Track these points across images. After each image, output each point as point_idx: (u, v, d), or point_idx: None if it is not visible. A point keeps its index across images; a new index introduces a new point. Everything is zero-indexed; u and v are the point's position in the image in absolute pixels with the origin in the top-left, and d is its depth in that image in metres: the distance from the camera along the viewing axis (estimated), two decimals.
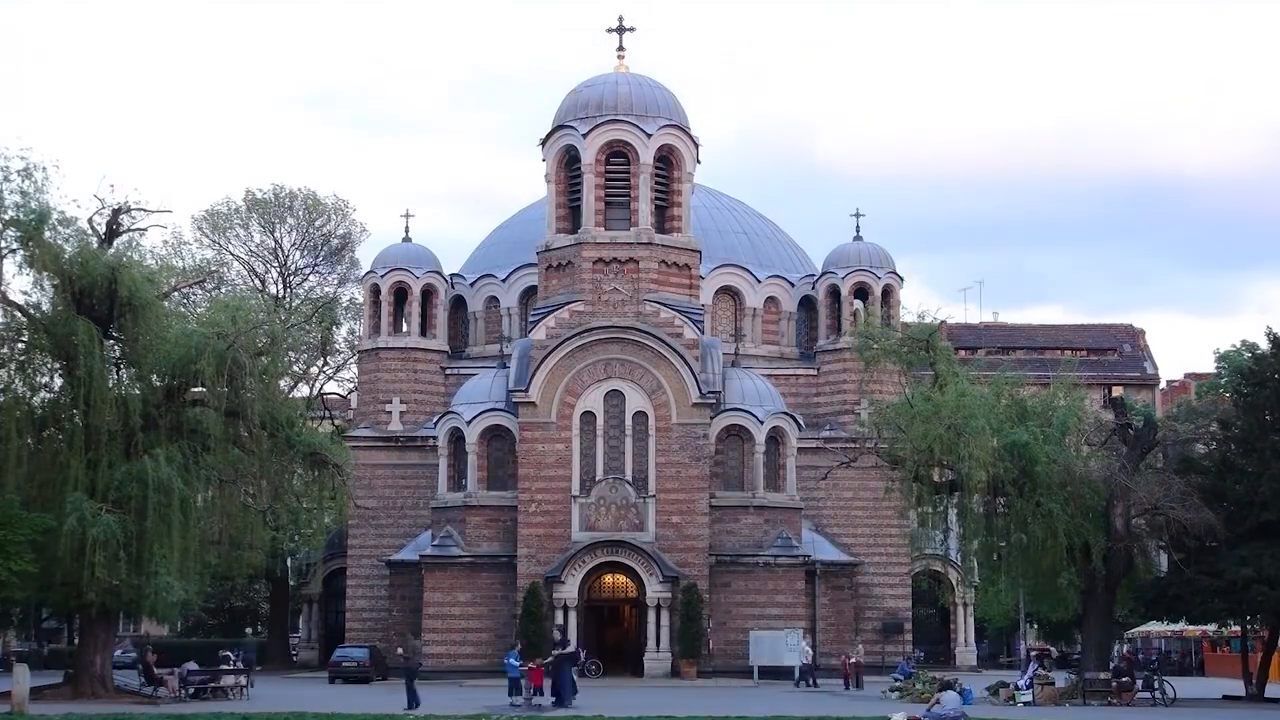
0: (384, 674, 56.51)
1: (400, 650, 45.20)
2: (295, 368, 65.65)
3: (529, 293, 64.28)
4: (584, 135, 59.62)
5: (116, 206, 43.96)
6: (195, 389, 42.91)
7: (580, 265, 59.19)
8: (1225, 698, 47.05)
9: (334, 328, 73.63)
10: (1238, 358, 59.52)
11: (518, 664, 41.87)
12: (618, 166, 60.09)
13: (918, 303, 68.10)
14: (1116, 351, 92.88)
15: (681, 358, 57.73)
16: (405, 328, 65.30)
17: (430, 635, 57.26)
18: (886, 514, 57.02)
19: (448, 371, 64.85)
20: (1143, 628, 68.84)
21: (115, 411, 40.95)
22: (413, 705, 38.06)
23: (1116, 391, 78.96)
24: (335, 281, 77.33)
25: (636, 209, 59.50)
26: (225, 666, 48.62)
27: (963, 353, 72.94)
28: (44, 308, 42.83)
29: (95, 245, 42.86)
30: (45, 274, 42.01)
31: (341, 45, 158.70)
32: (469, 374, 62.81)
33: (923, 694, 41.96)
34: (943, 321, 50.94)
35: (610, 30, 63.01)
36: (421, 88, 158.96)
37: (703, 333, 60.05)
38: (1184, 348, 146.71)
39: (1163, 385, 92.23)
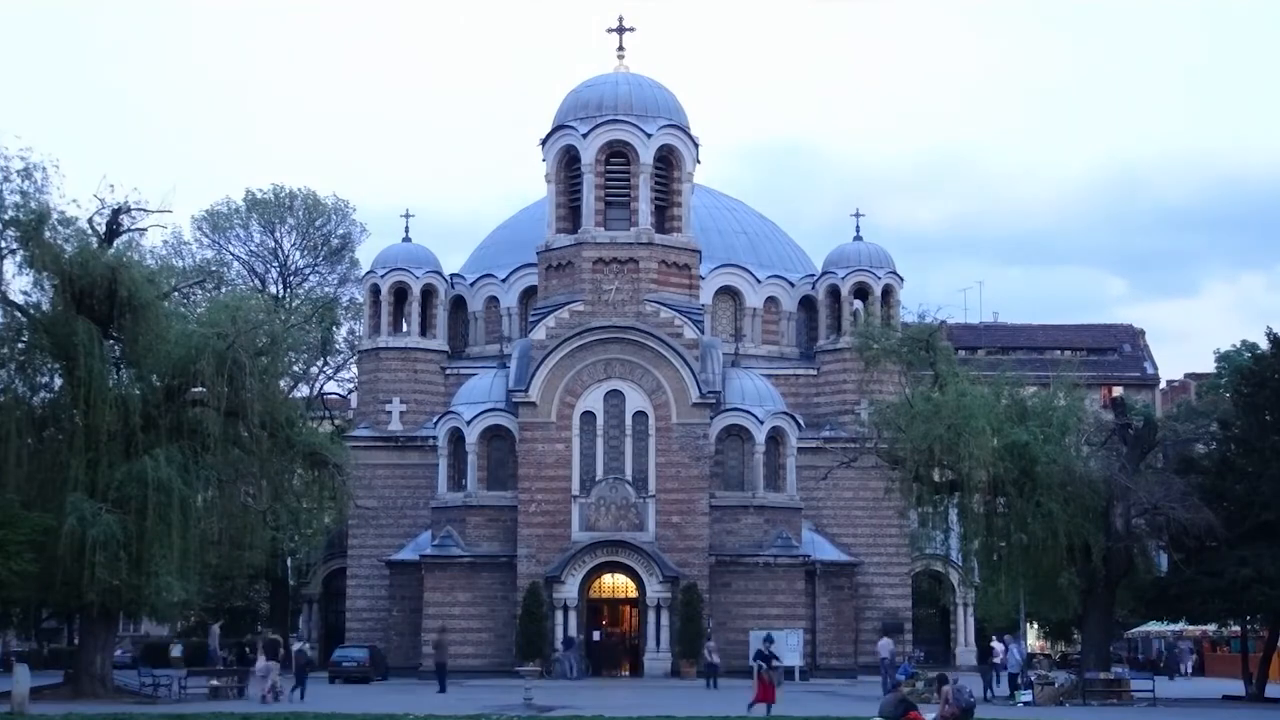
0: (384, 674, 56.52)
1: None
2: (295, 368, 65.52)
3: (529, 293, 64.27)
4: (584, 135, 59.64)
5: (116, 206, 43.98)
6: (195, 389, 42.87)
7: (580, 265, 59.21)
8: (1225, 698, 47.05)
9: (334, 328, 73.59)
10: (1238, 358, 59.64)
11: None
12: (618, 166, 60.12)
13: (917, 303, 68.07)
14: (1116, 351, 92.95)
15: (681, 358, 57.75)
16: (405, 328, 65.30)
17: (430, 635, 57.23)
18: (886, 514, 57.03)
19: (448, 371, 64.82)
20: (1143, 628, 68.82)
21: (115, 411, 40.92)
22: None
23: (1116, 391, 78.98)
24: (335, 281, 77.29)
25: (636, 209, 59.53)
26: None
27: (963, 353, 72.95)
28: (44, 308, 42.84)
29: (95, 245, 42.87)
30: (45, 274, 42.01)
31: (341, 45, 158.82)
32: (469, 374, 62.81)
33: (923, 695, 41.91)
34: (943, 321, 50.92)
35: (610, 30, 63.11)
36: (421, 87, 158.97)
37: (703, 333, 60.06)
38: (1184, 348, 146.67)
39: (1163, 385, 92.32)
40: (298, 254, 76.62)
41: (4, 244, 42.20)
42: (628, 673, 57.36)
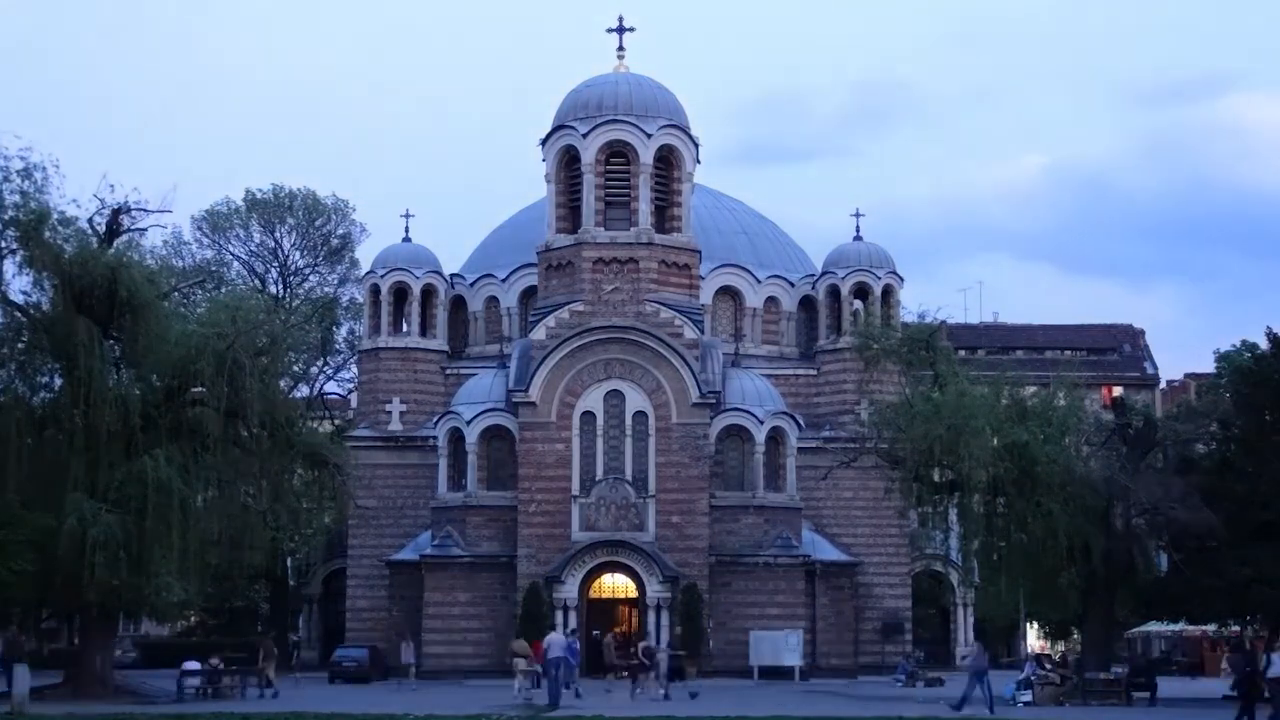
0: (384, 674, 56.49)
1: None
2: (295, 368, 65.51)
3: (529, 293, 64.23)
4: (584, 135, 59.61)
5: (116, 206, 43.91)
6: (195, 389, 42.85)
7: (580, 265, 59.19)
8: (1226, 698, 47.01)
9: (334, 328, 73.55)
10: (1238, 358, 59.52)
11: None
12: (618, 166, 60.09)
13: (918, 303, 68.09)
14: (1116, 351, 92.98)
15: (681, 358, 57.72)
16: (405, 328, 65.24)
17: (430, 635, 57.29)
18: (886, 514, 56.97)
19: (448, 371, 64.76)
20: (1143, 628, 68.79)
21: (115, 411, 40.85)
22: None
23: (1116, 391, 78.98)
24: (335, 281, 77.20)
25: (636, 209, 59.50)
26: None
27: (963, 353, 72.94)
28: (44, 308, 42.79)
29: (95, 245, 42.82)
30: (45, 274, 41.97)
31: (341, 45, 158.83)
32: (469, 374, 62.78)
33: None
34: (943, 322, 50.92)
35: (610, 30, 63.02)
36: (421, 87, 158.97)
37: (703, 333, 60.04)
38: (1184, 348, 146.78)
39: (1163, 385, 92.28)
40: (298, 254, 76.53)
41: (4, 244, 42.15)
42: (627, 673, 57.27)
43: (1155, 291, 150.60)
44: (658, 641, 51.87)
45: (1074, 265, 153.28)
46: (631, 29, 62.69)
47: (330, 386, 76.58)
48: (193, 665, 44.77)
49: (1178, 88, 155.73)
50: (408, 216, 67.04)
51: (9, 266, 42.36)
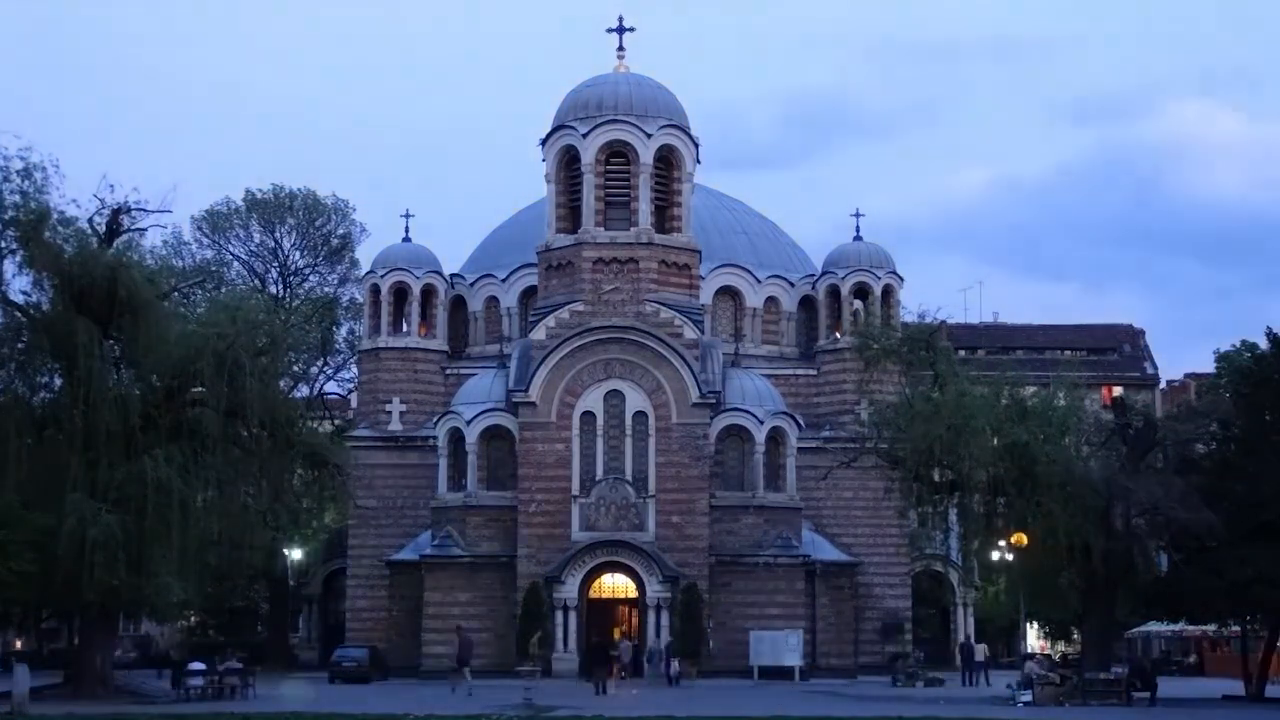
0: (384, 674, 56.47)
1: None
2: (295, 368, 65.49)
3: (529, 293, 64.23)
4: (584, 135, 59.61)
5: (116, 206, 43.93)
6: (195, 389, 42.85)
7: (580, 265, 59.19)
8: (1225, 698, 47.04)
9: (334, 328, 73.55)
10: (1238, 358, 59.55)
11: None
12: (618, 166, 60.09)
13: (918, 302, 67.91)
14: (1116, 351, 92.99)
15: (681, 358, 57.72)
16: (405, 328, 65.25)
17: (430, 635, 57.25)
18: (886, 514, 56.91)
19: (448, 371, 64.76)
20: (1143, 628, 68.80)
21: (115, 411, 40.86)
22: None
23: (1116, 391, 78.97)
24: (335, 281, 77.16)
25: (636, 209, 59.50)
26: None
27: (963, 353, 72.92)
28: (44, 308, 42.81)
29: (95, 245, 42.85)
30: (45, 274, 42.01)
31: (342, 45, 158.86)
32: (469, 374, 62.77)
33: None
34: (943, 321, 50.91)
35: (610, 30, 63.03)
36: (421, 87, 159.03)
37: (703, 333, 60.04)
38: (1184, 348, 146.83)
39: (1163, 385, 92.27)
40: (298, 254, 76.43)
41: (4, 244, 42.17)
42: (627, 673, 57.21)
43: (1113, 300, 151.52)
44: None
45: (1028, 272, 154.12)
46: (631, 29, 62.82)
47: (330, 386, 76.66)
48: (197, 665, 44.70)
49: (1113, 101, 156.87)
50: (408, 216, 67.15)
51: (9, 266, 42.47)
